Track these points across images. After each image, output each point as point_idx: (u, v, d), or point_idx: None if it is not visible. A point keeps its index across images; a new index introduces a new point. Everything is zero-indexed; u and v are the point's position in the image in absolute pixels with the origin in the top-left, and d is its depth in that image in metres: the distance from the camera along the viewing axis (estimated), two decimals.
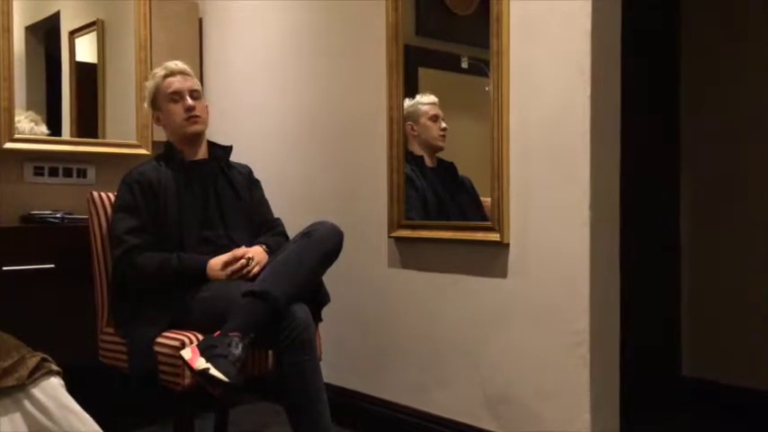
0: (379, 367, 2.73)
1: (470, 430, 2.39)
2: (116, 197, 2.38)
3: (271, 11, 3.21)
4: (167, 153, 2.44)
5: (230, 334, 1.99)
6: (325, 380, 2.13)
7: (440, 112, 2.57)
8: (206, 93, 3.10)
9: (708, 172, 3.17)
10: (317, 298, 2.27)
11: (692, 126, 3.23)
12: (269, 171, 2.80)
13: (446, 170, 2.56)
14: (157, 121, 2.48)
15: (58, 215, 2.79)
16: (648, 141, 3.14)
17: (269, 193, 2.58)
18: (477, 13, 2.36)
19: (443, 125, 2.56)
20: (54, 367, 1.70)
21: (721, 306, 3.11)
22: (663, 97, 3.28)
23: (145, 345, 2.15)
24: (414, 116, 2.60)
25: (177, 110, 2.39)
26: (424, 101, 2.60)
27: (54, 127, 3.05)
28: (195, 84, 2.45)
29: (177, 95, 2.40)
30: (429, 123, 2.59)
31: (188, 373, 2.01)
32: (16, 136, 2.86)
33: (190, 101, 2.39)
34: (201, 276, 2.21)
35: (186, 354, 1.97)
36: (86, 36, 3.18)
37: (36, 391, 1.63)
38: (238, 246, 2.33)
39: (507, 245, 2.27)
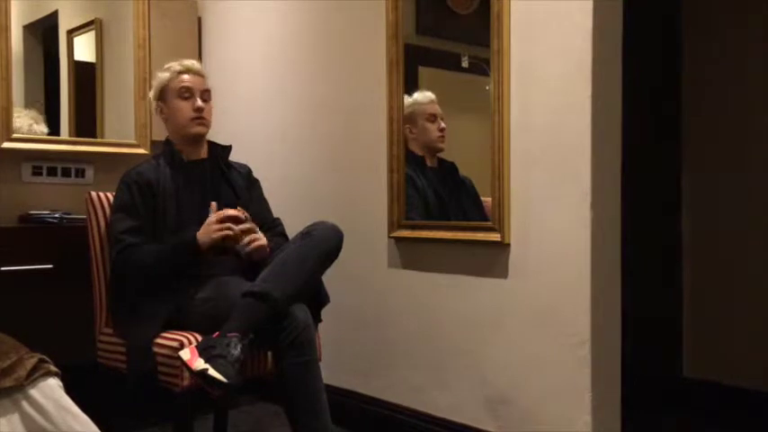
0: (379, 368, 2.73)
1: (470, 431, 2.38)
2: (115, 197, 2.38)
3: (270, 10, 3.20)
4: (166, 152, 2.43)
5: (229, 334, 1.98)
6: (325, 380, 2.13)
7: (438, 111, 2.55)
8: None
9: (708, 172, 3.17)
10: (317, 298, 2.26)
11: (693, 126, 3.23)
12: (268, 171, 2.79)
13: (447, 170, 2.55)
14: (160, 112, 2.45)
15: (57, 215, 2.77)
16: (649, 141, 3.14)
17: (268, 192, 2.57)
18: (478, 11, 2.35)
19: (442, 125, 2.54)
20: (52, 368, 1.69)
21: (722, 306, 3.10)
22: (664, 96, 3.27)
23: (143, 345, 2.14)
24: (411, 118, 2.59)
25: (185, 107, 2.38)
26: (421, 99, 2.58)
27: (52, 126, 3.04)
28: (207, 85, 2.45)
29: (188, 93, 2.39)
30: (427, 125, 2.57)
31: (187, 373, 2.00)
32: (14, 135, 2.85)
33: (200, 102, 2.39)
34: (194, 245, 2.17)
35: (185, 354, 1.96)
36: (85, 35, 3.17)
37: (34, 392, 1.63)
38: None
39: (508, 245, 2.26)
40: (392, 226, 2.63)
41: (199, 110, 2.38)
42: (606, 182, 2.11)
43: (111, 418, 1.97)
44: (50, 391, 1.65)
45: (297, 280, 2.12)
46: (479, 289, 2.36)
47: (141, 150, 3.13)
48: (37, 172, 2.96)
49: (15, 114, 2.86)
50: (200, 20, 3.48)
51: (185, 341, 2.07)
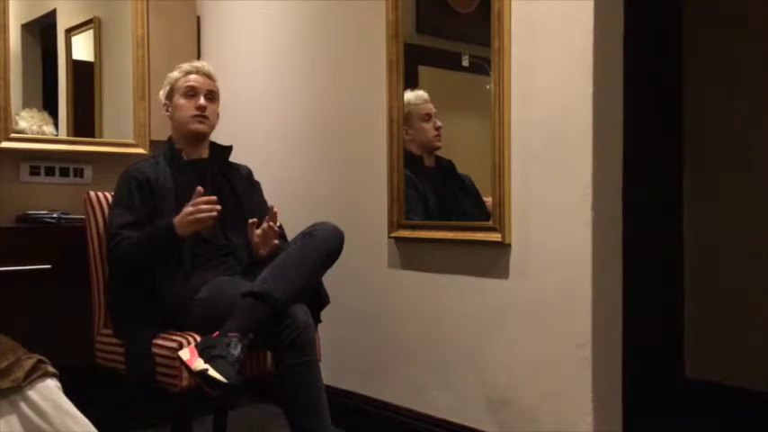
0: (379, 368, 2.72)
1: None
2: (114, 193, 2.38)
3: (269, 9, 3.20)
4: (167, 151, 2.43)
5: (229, 335, 1.97)
6: (325, 381, 2.12)
7: (432, 109, 2.54)
8: None
9: (709, 172, 3.16)
10: (317, 299, 2.26)
11: (695, 126, 3.22)
12: (268, 171, 2.79)
13: (445, 169, 2.54)
14: (166, 110, 2.48)
15: (55, 215, 2.76)
16: (650, 141, 3.13)
17: (268, 193, 2.57)
18: (479, 10, 2.34)
19: (438, 123, 2.53)
20: (51, 369, 1.68)
21: (724, 307, 3.09)
22: (665, 96, 3.26)
23: (142, 346, 2.14)
24: (407, 119, 2.57)
25: (187, 105, 2.40)
26: (415, 100, 2.56)
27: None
28: (214, 87, 2.46)
29: (192, 91, 2.40)
30: (423, 125, 2.56)
31: (185, 374, 1.99)
32: (12, 135, 2.84)
33: (203, 100, 2.40)
34: (170, 227, 2.15)
35: (184, 354, 1.95)
36: (83, 34, 3.16)
37: (32, 393, 1.62)
38: (237, 246, 2.33)
39: (509, 245, 2.25)
40: (392, 226, 2.62)
41: (201, 108, 2.39)
42: (607, 182, 2.10)
43: (110, 419, 1.96)
44: (49, 392, 1.64)
45: (297, 280, 2.11)
46: (480, 289, 2.35)
47: (140, 150, 3.12)
48: (35, 172, 2.95)
49: (26, 115, 2.87)
50: (198, 19, 3.48)
51: (184, 341, 2.07)
